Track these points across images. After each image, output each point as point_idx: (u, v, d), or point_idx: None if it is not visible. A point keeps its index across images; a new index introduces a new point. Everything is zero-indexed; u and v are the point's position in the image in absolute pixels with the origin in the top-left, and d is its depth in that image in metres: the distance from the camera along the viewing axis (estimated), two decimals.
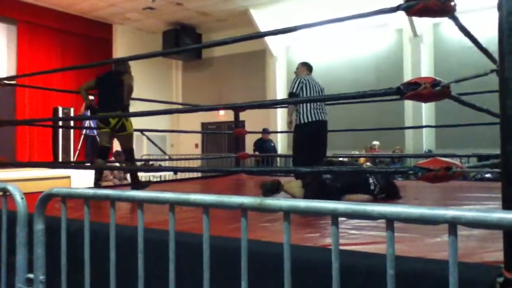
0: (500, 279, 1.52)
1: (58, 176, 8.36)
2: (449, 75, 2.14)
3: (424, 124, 9.58)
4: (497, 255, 1.63)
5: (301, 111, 4.90)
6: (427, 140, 10.05)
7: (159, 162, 7.08)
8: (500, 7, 1.56)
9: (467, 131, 7.67)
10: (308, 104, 4.90)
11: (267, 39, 11.65)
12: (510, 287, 1.43)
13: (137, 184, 4.62)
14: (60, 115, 10.31)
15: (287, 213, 1.10)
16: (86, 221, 1.51)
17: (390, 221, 0.98)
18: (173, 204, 1.27)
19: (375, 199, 3.64)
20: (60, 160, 10.17)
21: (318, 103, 4.96)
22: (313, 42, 11.54)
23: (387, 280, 0.99)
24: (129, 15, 11.98)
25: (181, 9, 11.57)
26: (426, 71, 9.90)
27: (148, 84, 12.82)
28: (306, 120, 4.85)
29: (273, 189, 3.68)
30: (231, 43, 2.94)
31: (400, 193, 3.77)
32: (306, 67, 5.40)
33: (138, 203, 1.35)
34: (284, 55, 12.31)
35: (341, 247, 1.95)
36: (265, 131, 9.19)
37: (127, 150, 4.76)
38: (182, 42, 12.58)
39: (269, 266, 1.70)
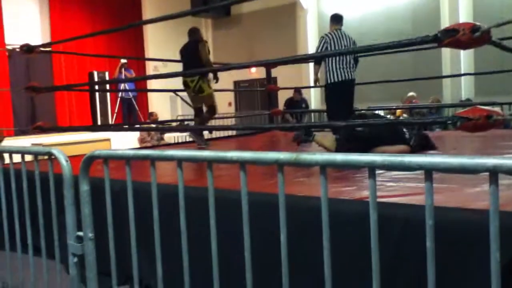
0: None
1: (98, 139, 8.62)
2: (489, 19, 2.03)
3: (462, 72, 9.22)
4: None
5: (328, 70, 4.86)
6: (465, 89, 9.70)
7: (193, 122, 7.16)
8: None
9: (508, 78, 7.33)
10: (335, 63, 4.85)
11: None
12: None
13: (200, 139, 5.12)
14: (96, 79, 10.50)
15: (323, 167, 1.10)
16: (129, 181, 1.56)
17: (429, 172, 0.97)
18: (211, 162, 1.30)
19: (412, 150, 3.58)
20: (99, 123, 10.44)
21: (345, 61, 4.89)
22: None
23: (426, 230, 1.00)
24: None
25: None
26: (465, 16, 9.42)
27: (179, 45, 12.79)
28: (333, 80, 4.83)
29: (305, 135, 3.72)
30: None
31: (434, 144, 3.71)
32: (334, 21, 5.28)
33: (178, 162, 1.38)
34: (315, 7, 11.95)
35: (378, 200, 1.97)
36: (297, 91, 9.06)
37: (208, 107, 5.40)
38: (211, 0, 12.38)
39: (307, 220, 1.73)
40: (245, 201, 1.23)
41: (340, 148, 3.64)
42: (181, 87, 5.44)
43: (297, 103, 9.15)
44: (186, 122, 7.32)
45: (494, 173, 0.90)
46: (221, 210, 1.45)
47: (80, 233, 1.67)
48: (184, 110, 11.54)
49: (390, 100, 9.23)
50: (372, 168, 1.03)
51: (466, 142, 4.30)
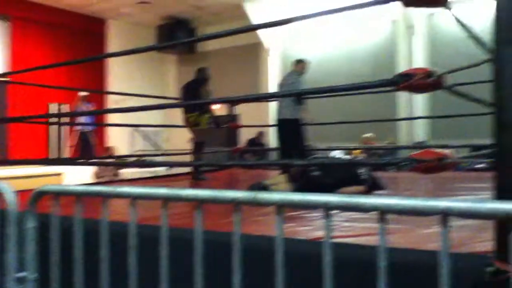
0: (490, 269, 1.53)
1: (51, 173, 8.31)
2: (442, 65, 2.13)
3: (417, 115, 9.61)
4: (488, 244, 1.64)
5: (289, 106, 4.97)
6: (420, 131, 10.09)
7: (153, 157, 7.06)
8: None
9: (460, 122, 7.68)
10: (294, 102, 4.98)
11: (261, 32, 11.61)
12: (500, 276, 1.44)
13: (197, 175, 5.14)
14: (54, 111, 10.25)
15: (280, 206, 1.09)
16: (78, 218, 1.50)
17: (383, 213, 0.97)
18: (166, 200, 1.26)
19: (368, 191, 3.65)
20: (54, 156, 10.12)
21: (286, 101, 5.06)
22: (308, 34, 11.51)
23: (379, 272, 0.99)
24: (123, 9, 11.91)
25: (175, 3, 11.51)
26: (420, 62, 9.91)
27: (142, 79, 12.76)
28: (293, 117, 4.95)
29: (261, 188, 3.68)
30: (224, 36, 2.92)
31: (384, 185, 3.81)
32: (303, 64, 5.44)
33: (131, 199, 1.34)
34: (278, 48, 12.28)
35: (333, 240, 1.97)
36: (260, 133, 9.19)
37: (198, 142, 5.85)
38: (176, 36, 12.53)
39: (262, 259, 1.70)
40: (200, 240, 1.19)
41: (296, 190, 3.64)
42: (142, 122, 5.42)
43: (258, 145, 9.23)
44: (144, 157, 7.20)
45: (445, 215, 0.91)
46: (175, 250, 1.40)
47: (22, 274, 1.57)
48: (143, 145, 11.37)
49: (350, 140, 9.45)
50: (327, 209, 1.03)
51: (420, 183, 4.42)
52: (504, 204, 0.87)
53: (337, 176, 3.60)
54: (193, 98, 5.47)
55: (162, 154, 7.02)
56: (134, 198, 1.33)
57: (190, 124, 5.63)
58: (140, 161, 7.17)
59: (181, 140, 13.43)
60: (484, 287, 1.53)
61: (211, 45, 13.12)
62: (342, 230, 2.22)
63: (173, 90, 14.19)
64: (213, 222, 2.31)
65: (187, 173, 6.34)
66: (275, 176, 4.11)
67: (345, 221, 2.47)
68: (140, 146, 11.65)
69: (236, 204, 1.14)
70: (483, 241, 1.81)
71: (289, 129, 5.04)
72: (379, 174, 4.16)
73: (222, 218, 2.45)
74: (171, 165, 5.94)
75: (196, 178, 5.37)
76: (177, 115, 13.75)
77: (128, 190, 1.32)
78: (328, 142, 9.01)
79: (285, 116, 5.00)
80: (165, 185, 4.74)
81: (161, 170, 8.44)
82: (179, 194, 1.22)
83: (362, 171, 3.74)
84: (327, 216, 1.03)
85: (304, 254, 1.77)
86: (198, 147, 5.92)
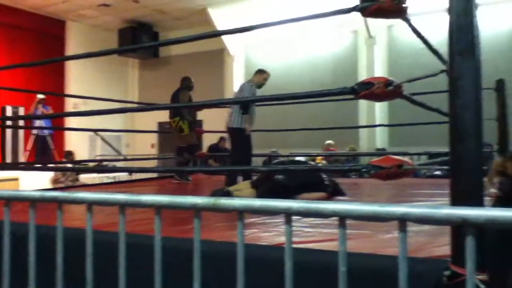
0: (447, 272, 1.57)
1: (6, 178, 7.99)
2: (402, 75, 2.19)
3: (377, 123, 9.83)
4: (445, 249, 1.69)
5: (236, 115, 4.95)
6: (380, 139, 10.33)
7: (113, 163, 6.91)
8: (450, 10, 1.62)
9: (419, 130, 7.91)
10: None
11: (226, 38, 11.61)
12: (456, 279, 1.48)
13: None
14: (9, 114, 9.87)
15: (241, 212, 1.09)
16: (32, 225, 1.44)
17: (342, 218, 0.98)
18: (123, 206, 1.23)
19: (330, 197, 3.69)
20: (9, 161, 9.74)
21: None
22: (272, 42, 11.60)
23: (339, 277, 1.00)
24: (84, 11, 11.63)
25: (138, 6, 11.34)
26: (380, 71, 10.17)
27: (103, 83, 12.49)
28: (238, 125, 4.94)
29: (222, 194, 3.65)
30: (188, 41, 2.90)
31: (343, 190, 3.88)
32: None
33: (87, 205, 1.30)
34: (242, 54, 12.32)
35: (295, 245, 1.97)
36: (223, 139, 9.12)
37: (190, 146, 6.22)
38: (139, 40, 12.35)
39: (223, 266, 1.68)
40: (159, 247, 1.17)
41: (260, 195, 3.64)
42: (102, 126, 5.30)
43: (221, 151, 9.13)
44: (105, 163, 7.03)
45: (402, 221, 0.93)
46: (134, 256, 1.37)
47: None
48: (104, 150, 11.12)
49: (312, 147, 9.57)
50: (288, 214, 1.03)
51: (381, 189, 4.52)
52: (459, 210, 0.89)
53: (300, 182, 3.62)
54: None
55: (123, 160, 6.88)
56: (90, 204, 1.28)
57: (174, 129, 6.11)
58: (100, 167, 7.00)
59: (142, 145, 13.25)
60: None
61: (174, 50, 13.01)
62: (304, 236, 2.23)
63: (134, 94, 13.97)
64: (175, 228, 2.28)
65: (150, 179, 6.24)
66: (239, 184, 4.09)
67: (307, 226, 2.48)
68: (100, 151, 11.39)
69: (196, 210, 1.12)
70: (441, 246, 1.86)
71: (235, 137, 5.05)
72: (339, 180, 4.23)
73: (186, 224, 2.42)
74: (132, 171, 5.83)
75: (181, 178, 5.73)
76: (138, 120, 13.59)
77: (84, 195, 1.28)
78: (292, 149, 9.09)
79: (231, 125, 5.01)
80: (125, 191, 4.65)
81: (122, 176, 8.27)
82: (138, 200, 1.19)
83: (324, 177, 3.79)
84: (288, 222, 1.03)
85: (267, 260, 1.77)
86: (181, 151, 6.28)
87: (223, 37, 11.50)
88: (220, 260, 1.75)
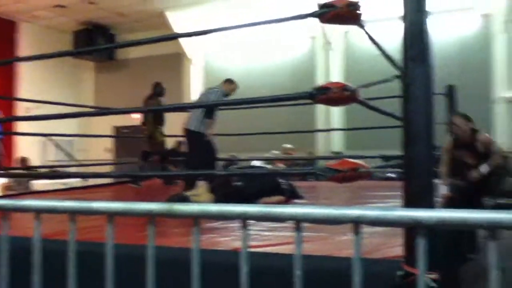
0: (400, 272, 1.61)
1: None
2: (358, 80, 2.23)
3: (334, 127, 10.01)
4: (398, 250, 1.73)
5: (198, 119, 4.84)
6: (337, 142, 10.51)
7: (66, 168, 6.69)
8: (404, 18, 1.67)
9: (374, 134, 8.11)
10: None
11: (184, 42, 11.51)
12: (409, 279, 1.52)
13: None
14: None
15: (197, 218, 1.07)
16: None
17: (298, 222, 0.98)
18: (74, 213, 1.18)
19: (289, 200, 3.72)
20: None
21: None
22: (231, 47, 11.60)
23: (295, 280, 1.00)
24: (38, 13, 11.21)
25: (94, 8, 11.05)
26: (337, 76, 10.36)
27: (56, 86, 12.09)
28: (197, 129, 4.85)
29: (179, 200, 3.59)
30: (145, 43, 2.85)
31: (301, 194, 3.92)
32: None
33: (35, 213, 1.24)
34: (201, 59, 12.24)
35: (253, 249, 1.97)
36: (181, 143, 8.98)
37: (161, 151, 6.23)
38: (95, 43, 12.03)
39: (179, 272, 1.65)
40: (111, 255, 1.13)
41: (218, 201, 3.61)
42: (55, 131, 5.10)
43: (179, 155, 8.99)
44: (57, 168, 6.79)
45: (357, 223, 0.94)
46: (85, 265, 1.32)
47: None
48: (56, 155, 10.74)
49: (269, 151, 9.61)
50: (245, 219, 1.02)
51: (338, 192, 4.59)
52: (410, 211, 0.91)
53: (258, 187, 3.63)
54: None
55: (77, 165, 6.66)
56: (38, 211, 1.23)
57: (146, 135, 6.11)
58: (53, 172, 6.75)
59: (97, 150, 12.89)
60: None
61: (131, 53, 12.77)
62: (262, 240, 2.23)
63: (90, 97, 13.60)
64: (131, 234, 2.22)
65: (105, 184, 6.08)
66: (196, 189, 4.04)
67: (265, 230, 2.49)
68: (52, 156, 10.99)
69: (151, 216, 1.10)
70: (394, 247, 1.90)
71: (192, 141, 4.96)
72: (298, 183, 4.27)
73: (144, 230, 2.35)
74: (87, 176, 5.64)
75: (135, 183, 5.73)
76: (93, 124, 13.22)
77: (32, 203, 1.22)
78: (251, 153, 9.10)
79: (189, 127, 4.91)
80: (79, 197, 4.50)
81: (76, 182, 8.00)
82: (89, 207, 1.15)
83: (282, 181, 3.81)
84: (245, 227, 1.02)
85: (224, 265, 1.75)
86: (145, 156, 6.31)
87: (182, 41, 11.39)
88: (176, 267, 1.72)
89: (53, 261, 1.48)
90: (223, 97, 4.98)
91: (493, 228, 0.85)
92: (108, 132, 12.43)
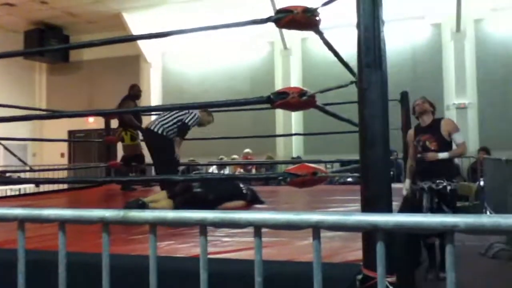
0: (359, 276, 1.63)
1: None
2: (315, 86, 2.25)
3: (293, 132, 10.12)
4: (358, 253, 1.75)
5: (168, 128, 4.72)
6: (296, 147, 10.62)
7: (18, 174, 6.41)
8: (358, 25, 1.70)
9: (332, 139, 8.25)
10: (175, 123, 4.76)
11: (142, 44, 11.32)
12: (368, 282, 1.54)
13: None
14: None
15: (153, 225, 1.04)
16: None
17: (258, 228, 0.97)
18: (23, 221, 1.12)
19: (249, 205, 3.71)
20: None
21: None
22: (190, 50, 11.50)
23: (256, 286, 0.99)
24: None
25: (46, 8, 10.68)
26: (295, 82, 10.48)
27: (6, 88, 11.60)
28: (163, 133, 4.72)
29: (138, 206, 3.49)
30: (99, 45, 2.76)
31: (261, 198, 3.93)
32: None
33: None
34: (159, 61, 12.08)
35: (213, 256, 1.94)
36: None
37: (134, 156, 6.08)
38: (47, 43, 11.63)
39: (137, 280, 1.60)
40: (63, 264, 1.08)
41: (177, 207, 3.54)
42: (7, 134, 4.87)
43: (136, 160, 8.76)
44: (7, 174, 6.49)
45: (316, 228, 0.94)
46: (36, 274, 1.25)
47: None
48: (6, 160, 10.29)
49: (231, 154, 9.59)
50: (203, 226, 1.00)
51: (297, 196, 4.62)
52: (368, 216, 0.92)
53: (219, 192, 3.60)
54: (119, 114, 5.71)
55: (29, 170, 6.39)
56: None
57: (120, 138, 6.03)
58: (4, 178, 6.45)
59: (51, 155, 12.46)
60: None
61: (86, 54, 12.45)
62: (222, 246, 2.21)
63: (42, 100, 13.13)
64: (89, 242, 2.14)
65: (60, 190, 5.86)
66: (154, 195, 3.95)
67: (225, 236, 2.46)
68: (2, 161, 10.52)
69: (104, 224, 1.06)
70: (354, 250, 1.92)
71: (158, 144, 4.73)
72: (259, 188, 4.27)
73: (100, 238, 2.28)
74: (40, 182, 5.42)
75: (126, 189, 5.55)
76: (47, 128, 12.77)
77: None
78: (211, 158, 9.04)
79: (154, 128, 4.70)
80: (31, 204, 4.32)
81: (28, 188, 7.69)
82: (38, 214, 1.09)
83: (243, 186, 3.80)
84: (203, 233, 1.00)
85: (184, 272, 1.71)
86: (125, 161, 6.19)
87: (140, 43, 11.20)
88: (134, 275, 1.67)
89: (2, 271, 1.40)
90: (196, 124, 4.86)
91: (449, 232, 0.87)
92: (63, 137, 12.05)
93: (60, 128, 11.87)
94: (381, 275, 0.93)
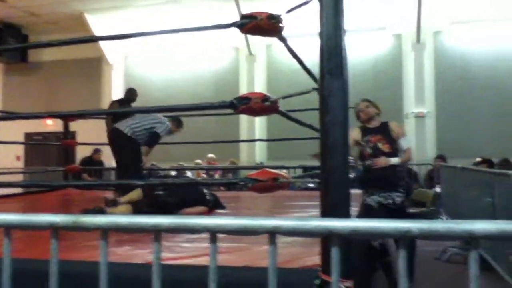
0: (318, 281, 1.64)
1: None
2: (279, 92, 2.26)
3: (256, 137, 10.15)
4: (316, 259, 1.75)
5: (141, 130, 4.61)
6: (259, 153, 10.65)
7: None
8: (321, 34, 1.72)
9: (295, 145, 8.32)
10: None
11: (104, 46, 11.09)
12: (326, 287, 1.55)
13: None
14: None
15: (106, 231, 1.00)
16: None
17: (213, 233, 0.95)
18: None
19: (211, 211, 3.67)
20: None
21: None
22: (153, 53, 11.37)
23: None
24: None
25: (4, 6, 10.31)
26: (260, 88, 10.53)
27: None
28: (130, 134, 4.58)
29: (96, 211, 3.39)
30: (58, 45, 2.68)
31: (223, 204, 3.90)
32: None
33: None
34: (122, 64, 11.87)
35: (170, 262, 1.91)
36: (97, 151, 8.55)
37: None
38: (4, 43, 11.24)
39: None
40: (7, 273, 1.02)
41: (137, 212, 3.47)
42: None
43: (96, 164, 8.55)
44: None
45: (272, 234, 0.93)
46: None
47: None
48: None
49: (196, 160, 9.50)
50: (158, 232, 0.97)
51: (259, 202, 4.62)
52: (325, 221, 0.92)
53: (180, 197, 3.55)
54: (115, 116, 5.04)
55: None
56: None
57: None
58: None
59: (5, 158, 11.98)
60: None
61: (46, 55, 12.09)
62: (181, 251, 2.17)
63: None
64: (41, 248, 2.05)
65: (14, 195, 5.63)
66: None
67: (184, 241, 2.42)
68: None
69: (53, 229, 1.01)
70: (313, 256, 1.93)
71: (124, 145, 4.58)
72: (222, 193, 4.24)
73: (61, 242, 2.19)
74: None
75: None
76: (1, 130, 12.28)
77: None
78: (174, 162, 8.93)
79: (124, 130, 4.60)
80: None
81: None
82: None
83: (205, 191, 3.76)
84: (158, 239, 0.97)
85: (138, 279, 1.67)
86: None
87: (102, 45, 10.98)
88: (85, 282, 1.61)
89: None
90: (166, 134, 4.75)
91: (403, 237, 0.88)
92: (19, 139, 11.63)
93: (16, 130, 11.46)
94: (336, 280, 0.93)
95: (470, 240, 0.88)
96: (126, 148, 4.57)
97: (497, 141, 9.10)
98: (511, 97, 9.47)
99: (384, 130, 4.05)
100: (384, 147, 3.99)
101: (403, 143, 4.02)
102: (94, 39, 3.39)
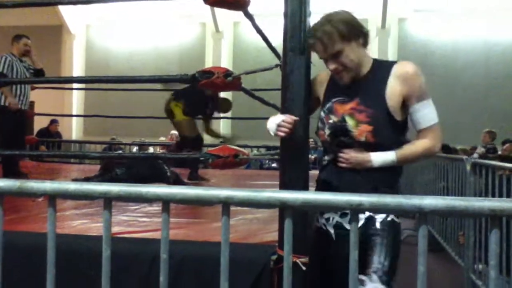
0: (274, 257, 1.66)
1: None
2: (245, 70, 2.23)
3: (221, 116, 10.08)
4: (275, 235, 1.77)
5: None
6: (224, 132, 10.61)
7: None
8: (285, 13, 1.71)
9: (259, 124, 8.31)
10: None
11: (65, 14, 10.66)
12: (282, 263, 1.56)
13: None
14: None
15: (53, 197, 0.96)
16: None
17: (166, 203, 0.94)
18: None
19: None
20: None
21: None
22: (117, 24, 11.02)
23: (161, 264, 0.95)
24: None
25: None
26: (225, 65, 10.41)
27: None
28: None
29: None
30: (11, 7, 2.56)
31: (184, 181, 3.89)
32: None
33: None
34: (83, 34, 11.46)
35: (129, 235, 1.88)
36: (54, 122, 8.24)
37: (181, 138, 4.60)
38: None
39: (37, 259, 1.50)
40: None
41: None
42: None
43: (53, 135, 8.26)
44: None
45: (226, 204, 0.92)
46: None
47: None
48: None
49: (157, 136, 9.36)
50: (108, 199, 0.94)
51: (224, 179, 4.63)
52: (277, 193, 0.92)
53: (141, 175, 3.50)
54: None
55: None
56: None
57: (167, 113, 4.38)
58: None
59: None
60: (270, 273, 1.65)
61: (1, 20, 11.51)
62: (139, 226, 2.15)
63: None
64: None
65: None
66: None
67: (144, 216, 2.41)
68: None
69: None
70: (272, 232, 1.95)
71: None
72: (182, 171, 4.20)
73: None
74: None
75: (193, 179, 4.27)
76: None
77: None
78: (135, 138, 8.77)
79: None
80: None
81: None
82: None
83: (166, 168, 3.72)
84: (107, 207, 0.95)
85: (91, 251, 1.64)
86: (183, 145, 4.49)
87: (63, 12, 10.55)
88: (34, 253, 1.57)
89: None
90: (12, 62, 4.21)
91: (354, 210, 0.89)
92: None
93: None
94: (288, 253, 0.93)
95: (419, 215, 0.90)
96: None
97: (451, 129, 9.41)
98: (466, 88, 9.81)
99: (370, 85, 1.62)
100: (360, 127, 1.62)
101: (421, 114, 1.70)
102: (53, 3, 3.23)
